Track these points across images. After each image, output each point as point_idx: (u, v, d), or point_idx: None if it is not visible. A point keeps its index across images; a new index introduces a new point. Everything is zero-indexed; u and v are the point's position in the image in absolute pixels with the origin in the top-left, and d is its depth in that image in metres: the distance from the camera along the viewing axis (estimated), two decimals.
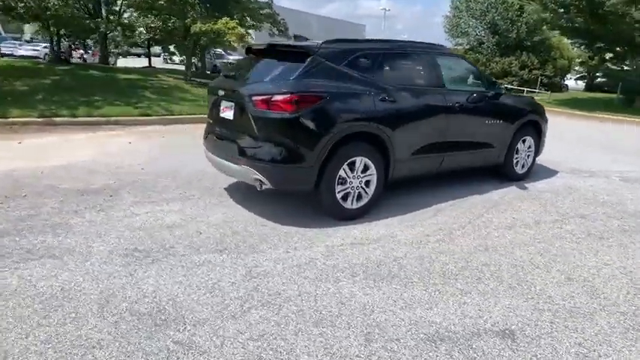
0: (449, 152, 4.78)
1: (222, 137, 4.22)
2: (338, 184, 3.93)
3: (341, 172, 3.92)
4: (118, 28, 16.31)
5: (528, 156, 5.79)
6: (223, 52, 25.97)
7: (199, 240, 3.57)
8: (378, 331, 2.46)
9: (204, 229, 3.79)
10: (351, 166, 3.99)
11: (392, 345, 2.35)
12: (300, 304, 2.70)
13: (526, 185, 5.54)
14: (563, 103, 18.27)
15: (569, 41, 22.94)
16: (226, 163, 4.10)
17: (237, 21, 12.30)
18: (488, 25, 21.17)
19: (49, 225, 3.73)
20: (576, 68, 27.65)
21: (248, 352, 2.26)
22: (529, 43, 21.19)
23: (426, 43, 5.02)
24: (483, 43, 21.44)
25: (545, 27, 20.54)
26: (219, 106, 4.27)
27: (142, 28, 16.96)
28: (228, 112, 4.13)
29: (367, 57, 4.14)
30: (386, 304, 2.73)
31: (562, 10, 14.63)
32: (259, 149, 3.79)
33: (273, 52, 4.25)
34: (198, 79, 14.43)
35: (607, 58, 18.25)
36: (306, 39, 4.55)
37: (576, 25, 14.08)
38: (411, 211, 4.40)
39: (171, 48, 22.52)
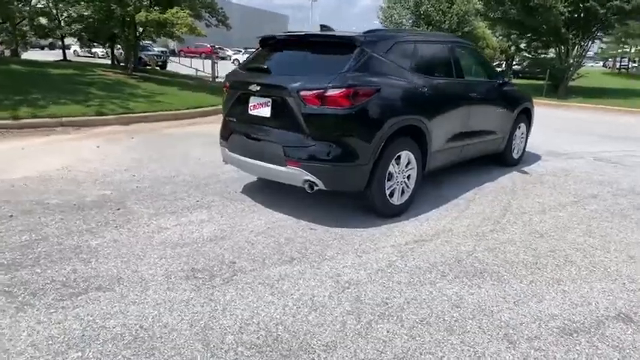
0: (467, 141, 4.83)
1: (255, 137, 3.83)
2: (387, 180, 3.77)
3: (390, 168, 3.76)
4: (35, 16, 14.33)
5: (521, 142, 6.07)
6: (149, 44, 24.29)
7: (257, 251, 3.21)
8: (512, 332, 2.37)
9: (253, 238, 3.42)
10: (397, 160, 3.85)
11: (537, 344, 2.27)
12: (416, 312, 2.52)
13: (525, 170, 5.81)
14: None
15: (490, 31, 24.73)
16: (266, 165, 3.74)
17: (188, 11, 11.38)
18: (422, 16, 22.05)
19: (67, 250, 3.13)
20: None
21: None
22: (460, 34, 22.43)
23: (447, 35, 5.02)
24: None
25: (473, 18, 21.88)
26: (247, 102, 3.88)
27: (65, 15, 15.06)
28: (262, 109, 3.75)
29: (407, 48, 4.01)
30: (498, 302, 2.65)
31: (496, 3, 15.63)
32: (311, 148, 3.48)
33: (304, 42, 3.95)
34: (139, 73, 13.25)
35: (523, 47, 19.81)
36: (332, 29, 4.28)
37: (510, 16, 15.14)
38: (442, 204, 4.37)
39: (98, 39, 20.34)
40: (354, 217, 3.89)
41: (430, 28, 21.61)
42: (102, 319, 2.35)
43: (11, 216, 3.67)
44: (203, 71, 21.09)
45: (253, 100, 3.83)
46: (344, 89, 3.36)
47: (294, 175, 3.56)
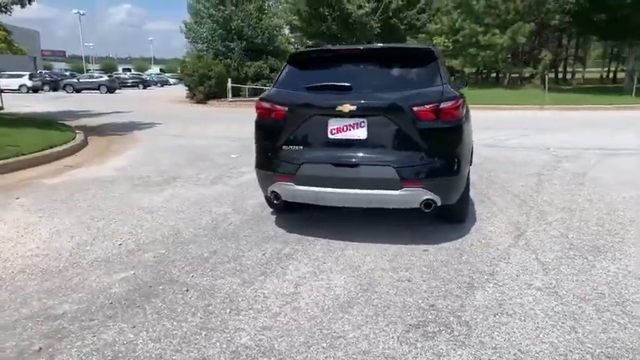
0: None
1: (348, 163, 3.34)
2: None
3: None
4: None
5: None
6: None
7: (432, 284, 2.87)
8: None
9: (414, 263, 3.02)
10: None
11: None
12: None
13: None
14: None
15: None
16: (366, 192, 3.31)
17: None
18: (234, 31, 22.03)
19: None
20: None
21: None
22: (272, 48, 23.39)
23: None
24: (233, 49, 22.19)
25: (282, 34, 23.19)
26: (324, 125, 3.37)
27: None
28: (354, 131, 3.31)
29: None
30: None
31: (314, 20, 17.09)
32: (431, 165, 3.28)
33: (366, 55, 3.68)
34: None
35: None
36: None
37: (332, 32, 16.77)
38: (478, 210, 4.46)
39: None
40: (421, 227, 3.85)
41: (244, 42, 21.93)
42: None
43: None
44: None
45: (336, 123, 3.35)
46: (455, 101, 3.30)
47: (413, 196, 3.28)
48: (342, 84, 3.41)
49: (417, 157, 3.28)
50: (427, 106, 3.23)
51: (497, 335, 2.33)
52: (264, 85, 22.41)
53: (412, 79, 3.48)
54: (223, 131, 10.90)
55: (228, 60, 22.53)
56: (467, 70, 27.43)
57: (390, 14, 16.26)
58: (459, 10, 21.09)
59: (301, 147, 3.49)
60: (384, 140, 3.31)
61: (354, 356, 2.18)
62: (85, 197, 5.03)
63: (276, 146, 3.58)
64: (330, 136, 3.38)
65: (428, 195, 3.28)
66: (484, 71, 31.91)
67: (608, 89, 23.96)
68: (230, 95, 20.84)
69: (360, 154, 3.35)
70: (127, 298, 2.76)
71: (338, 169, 3.38)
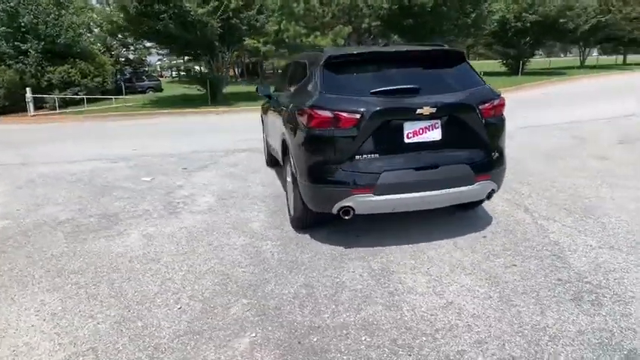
0: None
1: (428, 166, 3.32)
2: None
3: None
4: None
5: None
6: None
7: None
8: None
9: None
10: None
11: None
12: None
13: None
14: (159, 103, 19.40)
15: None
16: (444, 192, 3.37)
17: None
18: (26, 29, 17.55)
19: None
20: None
21: None
22: (79, 50, 19.54)
23: None
24: (27, 51, 17.65)
25: (90, 34, 19.86)
26: (399, 130, 3.29)
27: None
28: (429, 133, 3.32)
29: None
30: None
31: (145, 18, 15.22)
32: (492, 158, 3.53)
33: (406, 57, 3.68)
34: None
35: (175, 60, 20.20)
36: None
37: (169, 31, 15.18)
38: None
39: None
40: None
41: (42, 43, 17.89)
42: None
43: None
44: None
45: (412, 126, 3.30)
46: (501, 97, 3.63)
47: (482, 189, 3.51)
48: (410, 86, 3.36)
49: (483, 152, 3.52)
50: (488, 104, 3.49)
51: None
52: (76, 94, 18.91)
53: (461, 78, 3.63)
54: (71, 153, 8.88)
55: (22, 65, 18.09)
56: None
57: (231, 14, 15.80)
58: (280, 12, 22.03)
59: (377, 155, 3.31)
60: (456, 139, 3.42)
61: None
62: (34, 262, 3.56)
63: (346, 157, 3.30)
64: (406, 140, 3.31)
65: (493, 185, 3.58)
66: None
67: None
68: (32, 108, 16.80)
69: (437, 155, 3.40)
70: None
71: (419, 173, 3.34)
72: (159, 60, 40.23)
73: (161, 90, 28.92)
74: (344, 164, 3.32)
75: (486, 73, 22.91)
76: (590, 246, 3.47)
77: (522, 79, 23.58)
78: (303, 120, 3.47)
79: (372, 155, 3.31)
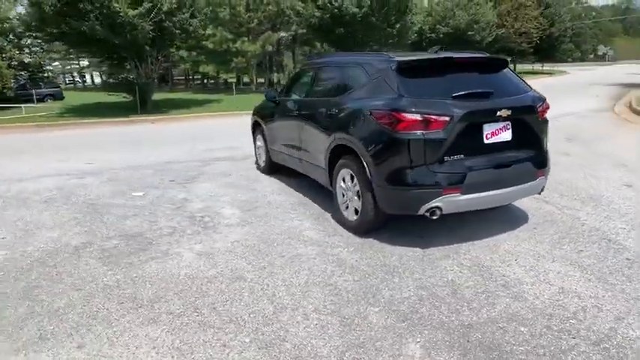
0: None
1: (504, 164, 3.59)
2: None
3: None
4: None
5: None
6: None
7: None
8: None
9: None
10: None
11: None
12: None
13: None
14: (78, 111, 17.37)
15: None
16: (515, 188, 3.67)
17: None
18: None
19: None
20: None
21: None
22: None
23: None
24: None
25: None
26: (479, 132, 3.50)
27: None
28: (502, 134, 3.59)
29: None
30: None
31: (68, 17, 13.62)
32: (545, 156, 3.92)
33: (467, 63, 3.89)
34: None
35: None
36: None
37: (96, 33, 13.68)
38: None
39: None
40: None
41: None
42: None
43: None
44: None
45: (490, 127, 3.53)
46: (547, 102, 4.02)
47: (540, 184, 3.87)
48: (485, 90, 3.58)
49: (539, 151, 3.88)
50: (541, 107, 3.85)
51: None
52: None
53: (515, 83, 3.93)
54: (16, 169, 7.66)
55: None
56: (223, 76, 27.84)
57: (163, 17, 14.86)
58: (206, 16, 21.27)
59: (462, 155, 3.46)
60: (521, 139, 3.71)
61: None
62: (92, 294, 3.04)
63: (435, 159, 3.40)
64: (485, 140, 3.52)
65: (545, 182, 3.95)
66: (239, 76, 32.86)
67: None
68: None
69: (509, 154, 3.66)
70: None
71: (497, 172, 3.58)
72: (51, 65, 36.16)
73: (62, 98, 25.94)
74: (433, 166, 3.41)
75: None
76: (624, 229, 4.00)
77: None
78: (385, 123, 3.49)
79: (459, 156, 3.46)
